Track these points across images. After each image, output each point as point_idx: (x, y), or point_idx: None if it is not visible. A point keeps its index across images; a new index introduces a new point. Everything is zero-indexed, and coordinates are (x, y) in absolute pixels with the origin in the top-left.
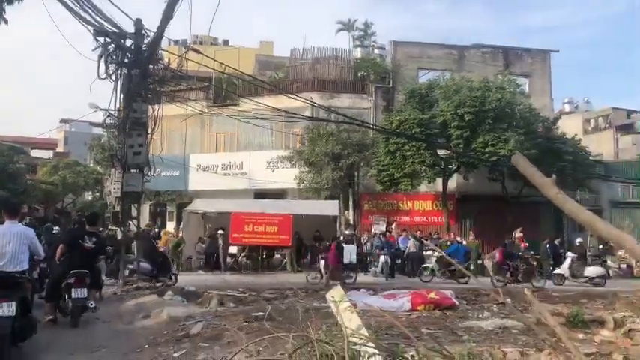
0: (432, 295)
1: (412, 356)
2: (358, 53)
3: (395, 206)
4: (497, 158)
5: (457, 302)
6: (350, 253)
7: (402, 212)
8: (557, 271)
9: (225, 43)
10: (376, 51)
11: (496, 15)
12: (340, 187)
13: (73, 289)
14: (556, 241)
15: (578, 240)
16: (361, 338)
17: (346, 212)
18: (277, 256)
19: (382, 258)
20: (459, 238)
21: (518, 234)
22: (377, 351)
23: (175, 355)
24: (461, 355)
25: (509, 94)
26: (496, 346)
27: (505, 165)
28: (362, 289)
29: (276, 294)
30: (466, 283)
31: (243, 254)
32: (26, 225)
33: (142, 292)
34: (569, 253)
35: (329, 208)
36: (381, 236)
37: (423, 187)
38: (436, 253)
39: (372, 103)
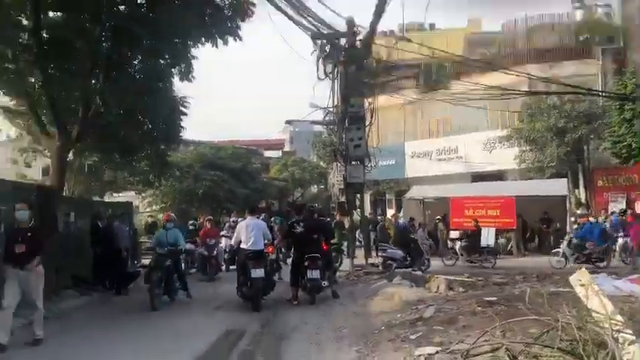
0: None
1: None
2: (578, 15)
3: (635, 181)
4: None
5: None
6: (488, 235)
7: None
8: None
9: (432, 27)
10: (599, 9)
11: None
12: (567, 164)
13: (307, 271)
14: None
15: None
16: (617, 324)
17: (576, 191)
18: (501, 240)
19: (620, 240)
20: (592, 219)
21: None
22: (634, 337)
23: (412, 337)
24: None
25: None
26: None
27: None
28: (602, 273)
29: (507, 279)
30: (606, 267)
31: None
32: (261, 219)
33: (372, 277)
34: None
35: (556, 187)
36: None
37: None
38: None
39: (599, 68)
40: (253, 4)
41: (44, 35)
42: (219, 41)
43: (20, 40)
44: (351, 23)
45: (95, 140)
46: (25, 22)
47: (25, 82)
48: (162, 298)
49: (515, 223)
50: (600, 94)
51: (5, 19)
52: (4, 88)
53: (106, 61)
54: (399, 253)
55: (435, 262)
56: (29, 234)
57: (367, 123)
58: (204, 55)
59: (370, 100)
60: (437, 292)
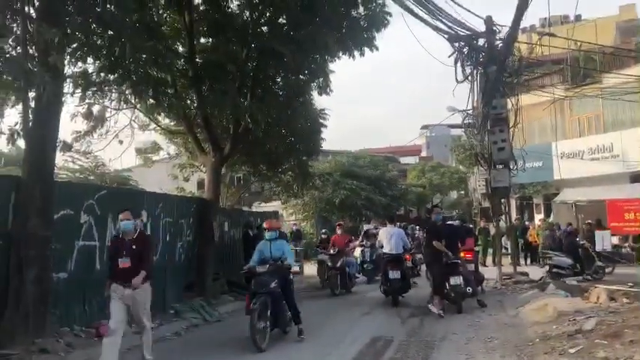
0: None
1: None
2: None
3: None
4: None
5: None
6: (602, 239)
7: None
8: None
9: (577, 18)
10: None
11: None
12: None
13: (450, 278)
14: None
15: None
16: None
17: None
18: None
19: None
20: None
21: None
22: None
23: (571, 351)
24: None
25: None
26: None
27: None
28: None
29: None
30: None
31: (626, 244)
32: (399, 227)
33: (521, 286)
34: None
35: None
36: None
37: None
38: None
39: None
40: (389, 14)
41: (198, 60)
42: (356, 52)
43: (177, 66)
44: (490, 22)
45: (244, 154)
46: (180, 49)
47: (183, 104)
48: (269, 332)
49: None
50: None
51: (165, 49)
52: (165, 111)
53: (253, 80)
54: (565, 260)
55: None
56: (134, 247)
57: (511, 124)
58: (340, 67)
59: (514, 100)
60: (596, 302)
